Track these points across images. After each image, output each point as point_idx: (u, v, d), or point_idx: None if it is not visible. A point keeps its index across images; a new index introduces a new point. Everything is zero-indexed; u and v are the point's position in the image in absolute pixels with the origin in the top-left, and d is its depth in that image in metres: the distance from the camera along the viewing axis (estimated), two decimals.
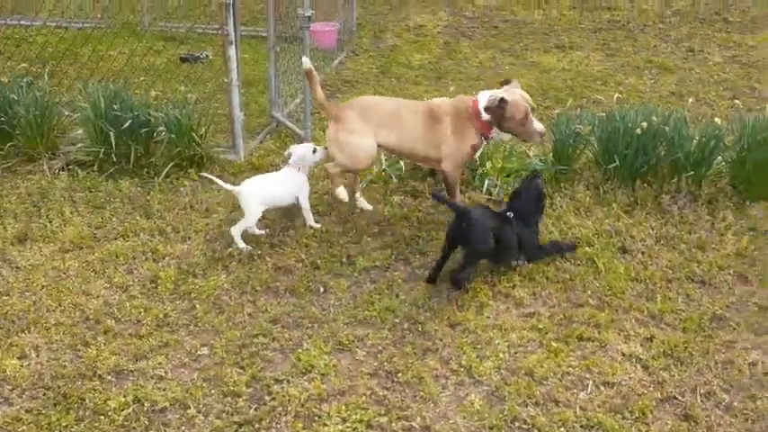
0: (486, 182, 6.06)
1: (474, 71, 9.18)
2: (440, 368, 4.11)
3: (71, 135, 6.67)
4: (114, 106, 6.33)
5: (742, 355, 4.15)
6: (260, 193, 5.23)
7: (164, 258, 5.12)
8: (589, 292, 4.74)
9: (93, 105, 6.38)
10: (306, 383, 3.97)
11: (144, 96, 6.56)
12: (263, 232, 5.38)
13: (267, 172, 6.32)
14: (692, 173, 5.84)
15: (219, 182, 5.30)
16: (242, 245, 5.17)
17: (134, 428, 3.67)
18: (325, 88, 8.54)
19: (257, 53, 9.10)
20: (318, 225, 5.47)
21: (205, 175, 5.58)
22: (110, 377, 4.02)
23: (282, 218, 5.64)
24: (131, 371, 4.07)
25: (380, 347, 4.26)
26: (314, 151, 5.49)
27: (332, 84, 8.70)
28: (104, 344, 4.27)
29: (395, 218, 5.65)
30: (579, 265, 5.03)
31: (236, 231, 5.19)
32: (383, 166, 6.36)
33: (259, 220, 5.31)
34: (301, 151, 5.47)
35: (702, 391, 3.90)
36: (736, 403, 3.81)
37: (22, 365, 4.12)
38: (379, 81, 8.84)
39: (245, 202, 5.21)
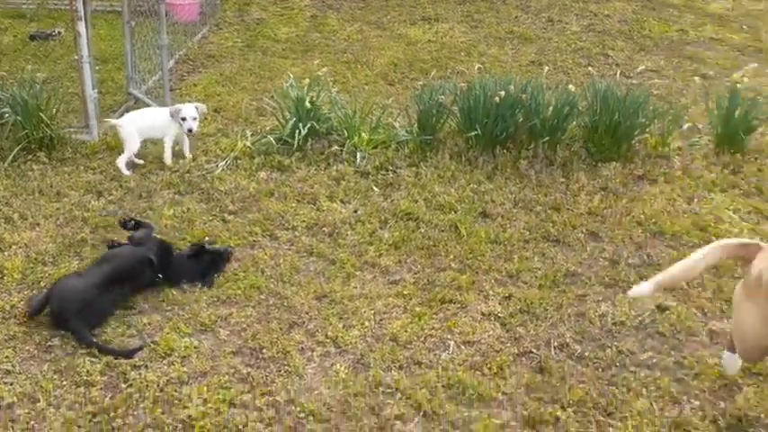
0: (358, 154, 6.06)
1: (342, 44, 9.13)
2: (306, 341, 4.10)
3: None
4: None
5: (593, 308, 4.36)
6: (138, 125, 5.92)
7: (10, 247, 4.81)
8: (452, 257, 4.84)
9: None
10: (165, 367, 3.85)
11: None
12: (141, 162, 5.96)
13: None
14: (547, 138, 6.06)
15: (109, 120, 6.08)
16: (126, 172, 5.77)
17: None
18: (188, 63, 8.32)
19: (114, 29, 8.67)
20: (170, 163, 5.93)
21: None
22: None
23: (139, 200, 5.44)
24: None
25: (245, 325, 4.20)
26: (196, 109, 6.01)
27: (195, 59, 8.42)
28: None
29: (261, 194, 5.56)
30: (443, 231, 5.13)
31: (121, 162, 5.79)
32: (248, 142, 6.24)
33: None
34: (180, 106, 6.03)
35: (556, 343, 4.08)
36: (587, 353, 4.01)
37: None
38: (245, 55, 8.64)
39: (126, 134, 5.87)
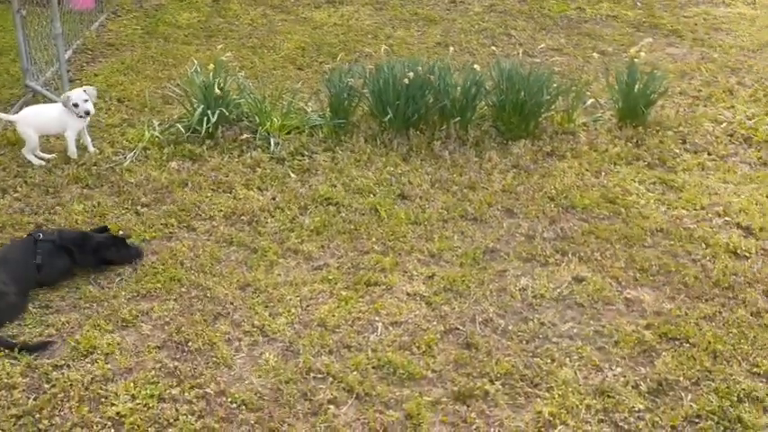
0: (272, 140, 5.99)
1: (246, 29, 8.97)
2: (232, 331, 4.05)
3: None
4: None
5: (513, 282, 4.49)
6: (32, 123, 5.71)
7: None
8: (374, 239, 4.88)
9: None
10: (88, 366, 3.74)
11: None
12: (52, 156, 5.78)
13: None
14: (458, 118, 6.17)
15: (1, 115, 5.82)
16: (36, 162, 5.68)
17: None
18: (86, 53, 7.99)
19: (4, 19, 8.23)
20: (75, 156, 5.76)
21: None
22: None
23: (46, 195, 5.22)
24: None
25: (168, 319, 4.11)
26: (85, 92, 5.74)
27: (93, 48, 8.09)
28: None
29: (173, 184, 5.43)
30: (364, 214, 5.16)
31: (26, 153, 5.70)
32: (156, 132, 6.07)
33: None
34: (70, 93, 5.76)
35: (480, 319, 4.19)
36: (511, 327, 4.13)
37: None
38: (146, 43, 8.36)
39: (22, 131, 5.71)
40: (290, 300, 4.30)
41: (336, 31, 8.99)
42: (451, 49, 7.34)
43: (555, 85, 6.37)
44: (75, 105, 5.62)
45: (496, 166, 5.77)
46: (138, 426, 3.41)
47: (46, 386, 3.61)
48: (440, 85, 6.16)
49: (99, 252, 4.46)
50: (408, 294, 4.37)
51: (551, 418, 3.54)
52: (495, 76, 6.37)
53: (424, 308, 4.26)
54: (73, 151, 5.76)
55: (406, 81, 6.02)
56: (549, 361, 3.88)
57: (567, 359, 3.90)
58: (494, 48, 7.93)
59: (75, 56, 7.76)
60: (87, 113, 5.67)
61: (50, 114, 5.78)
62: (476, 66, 6.33)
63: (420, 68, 6.13)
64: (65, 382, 3.62)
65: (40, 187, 5.32)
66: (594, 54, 7.86)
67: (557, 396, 3.66)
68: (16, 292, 4.08)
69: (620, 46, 8.52)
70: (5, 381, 3.62)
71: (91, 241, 4.46)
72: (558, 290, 4.43)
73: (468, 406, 3.61)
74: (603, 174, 5.73)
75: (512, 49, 8.31)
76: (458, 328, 4.12)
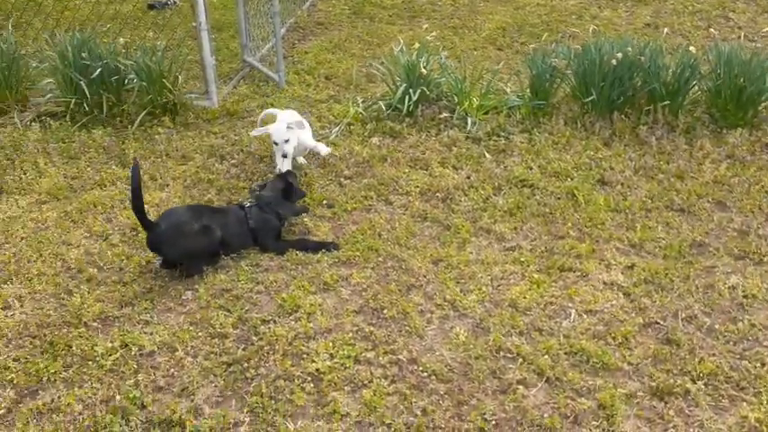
0: (469, 120, 6.03)
1: (448, 9, 9.05)
2: (424, 303, 4.14)
3: (40, 86, 6.52)
4: (83, 55, 6.18)
5: (722, 280, 4.21)
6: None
7: None
8: (570, 224, 4.77)
9: (61, 55, 6.24)
10: (292, 323, 3.98)
11: (112, 44, 6.41)
12: (304, 161, 5.58)
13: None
14: (668, 102, 5.85)
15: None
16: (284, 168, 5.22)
17: (123, 372, 3.68)
18: (298, 31, 8.44)
19: None
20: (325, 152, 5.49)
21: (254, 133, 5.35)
22: (95, 324, 4.01)
23: (260, 163, 5.59)
24: (117, 317, 4.06)
25: (365, 286, 4.28)
26: (287, 128, 5.14)
27: (304, 27, 8.54)
28: (88, 292, 4.25)
29: (374, 159, 5.62)
30: (560, 198, 5.06)
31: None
32: (360, 108, 6.30)
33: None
34: (270, 128, 5.19)
35: (684, 315, 3.97)
36: (717, 326, 3.88)
37: (6, 316, 4.09)
38: (353, 22, 8.69)
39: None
40: (481, 278, 4.32)
41: (539, 11, 8.83)
42: (665, 30, 6.94)
43: None
44: (275, 143, 5.16)
45: (708, 156, 5.42)
46: (335, 383, 3.59)
47: (254, 338, 3.90)
48: (650, 67, 5.86)
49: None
50: (605, 283, 4.24)
51: (757, 425, 3.30)
52: (711, 60, 5.96)
53: (621, 298, 4.12)
54: (322, 147, 5.46)
55: (614, 62, 5.79)
56: (758, 365, 3.61)
57: None
58: (711, 30, 7.40)
59: (288, 33, 8.23)
60: (284, 156, 5.09)
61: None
62: (691, 48, 5.96)
63: (630, 49, 5.87)
64: (271, 336, 3.89)
65: (255, 155, 5.71)
66: None
67: (765, 402, 3.41)
68: (205, 225, 4.37)
69: None
70: (219, 330, 3.95)
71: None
72: None
73: (665, 403, 3.45)
74: None
75: (729, 33, 7.75)
76: (658, 323, 3.94)
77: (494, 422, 3.38)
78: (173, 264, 4.39)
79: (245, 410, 3.47)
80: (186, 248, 4.31)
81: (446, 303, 4.14)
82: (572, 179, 5.25)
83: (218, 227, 4.43)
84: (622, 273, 4.31)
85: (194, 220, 4.37)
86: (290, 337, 3.87)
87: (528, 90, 6.27)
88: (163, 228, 4.28)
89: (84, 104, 6.19)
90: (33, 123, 6.23)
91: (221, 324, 3.98)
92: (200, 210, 4.54)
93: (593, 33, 6.73)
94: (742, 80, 5.73)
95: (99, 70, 6.13)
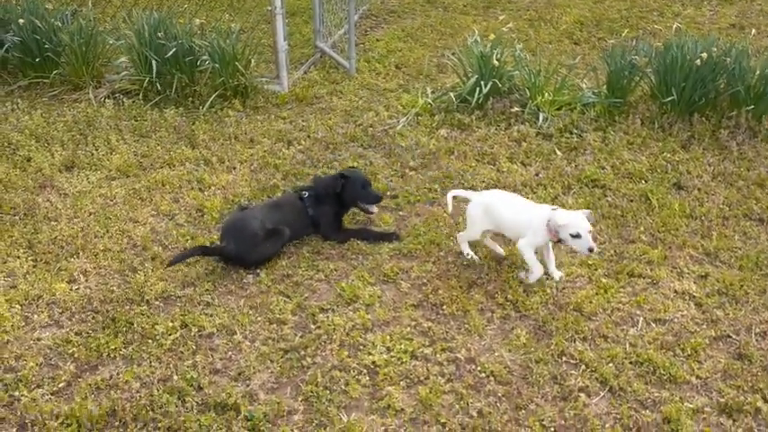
0: (541, 115, 5.88)
1: (524, 1, 8.86)
2: (485, 302, 4.05)
3: (116, 63, 6.65)
4: (158, 34, 6.27)
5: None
6: (486, 211, 4.29)
7: (209, 188, 5.11)
8: (642, 229, 4.60)
9: (138, 33, 6.34)
10: (350, 313, 3.95)
11: (188, 25, 6.48)
12: (500, 252, 4.43)
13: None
14: (752, 107, 5.59)
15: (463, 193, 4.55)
16: (466, 250, 4.41)
17: (182, 352, 3.71)
18: (371, 18, 8.39)
19: None
20: (533, 280, 4.15)
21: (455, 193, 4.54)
22: (157, 302, 4.06)
23: (326, 151, 5.56)
24: (179, 297, 4.10)
25: (425, 280, 4.21)
26: (574, 236, 3.98)
27: (377, 14, 8.49)
28: (152, 270, 4.30)
29: (440, 151, 5.54)
30: (632, 201, 4.88)
31: (460, 239, 4.44)
32: (428, 99, 6.22)
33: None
34: (559, 217, 4.02)
35: (758, 330, 3.78)
36: None
37: (71, 289, 4.17)
38: (426, 11, 8.59)
39: (468, 213, 4.38)
40: (546, 279, 4.20)
41: (619, 5, 8.57)
42: (752, 31, 6.64)
43: None
44: (576, 236, 3.95)
45: None
46: (390, 377, 3.54)
47: (312, 326, 3.88)
48: (735, 69, 5.60)
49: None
50: (676, 292, 4.07)
51: None
52: None
53: (692, 309, 3.94)
54: (533, 270, 4.15)
55: (698, 62, 5.56)
56: None
57: None
58: None
59: (361, 21, 8.19)
60: (591, 251, 3.99)
61: (516, 212, 4.24)
62: None
63: (714, 49, 5.62)
64: (329, 325, 3.86)
65: (321, 142, 5.70)
66: None
67: None
68: (270, 228, 4.34)
69: None
70: (278, 316, 3.94)
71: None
72: None
73: (734, 420, 3.29)
74: None
75: None
76: (730, 336, 3.76)
77: (552, 429, 3.28)
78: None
79: (299, 399, 3.45)
80: (258, 259, 4.30)
81: (508, 303, 4.04)
82: (646, 181, 5.07)
83: (283, 224, 4.41)
84: (695, 282, 4.13)
85: (261, 227, 4.32)
86: (348, 328, 3.84)
87: (604, 87, 6.08)
88: (233, 246, 4.25)
89: (158, 84, 6.28)
90: (107, 100, 6.35)
91: (280, 310, 3.97)
92: (262, 212, 4.46)
93: (675, 31, 6.48)
94: None
95: (173, 50, 6.20)
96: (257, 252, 4.28)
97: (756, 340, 3.72)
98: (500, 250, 4.45)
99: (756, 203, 4.78)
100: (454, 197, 4.54)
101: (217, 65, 6.23)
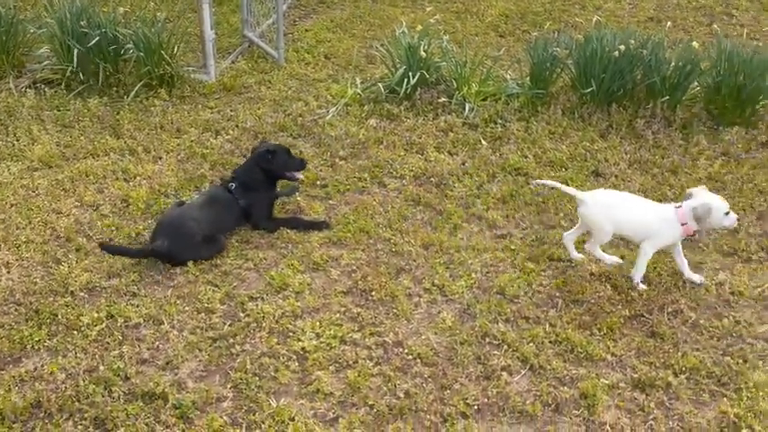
0: (467, 105, 6.00)
1: None
2: (413, 287, 4.15)
3: (37, 53, 6.48)
4: (81, 23, 6.14)
5: (710, 276, 4.22)
6: (607, 211, 4.09)
7: (135, 178, 5.05)
8: (562, 215, 4.77)
9: (60, 22, 6.19)
10: (280, 301, 3.98)
11: (112, 13, 6.36)
12: (620, 261, 4.23)
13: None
14: (667, 97, 5.84)
15: (560, 186, 4.31)
16: (609, 259, 4.20)
17: (108, 343, 3.68)
18: (300, 8, 8.38)
19: None
20: (641, 286, 4.12)
21: (542, 182, 4.50)
22: (82, 294, 4.01)
23: (255, 140, 5.56)
24: (104, 288, 4.06)
25: (354, 267, 4.28)
26: (726, 213, 3.97)
27: (306, 4, 8.48)
28: (76, 261, 4.24)
29: (370, 141, 5.60)
30: (553, 188, 5.04)
31: (591, 247, 4.20)
32: (358, 89, 6.27)
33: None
34: (706, 202, 3.94)
35: (670, 309, 3.98)
36: (702, 321, 3.90)
37: None
38: (355, 2, 8.63)
39: (589, 217, 4.14)
40: (471, 264, 4.32)
41: None
42: (668, 24, 6.92)
43: None
44: (728, 213, 3.95)
45: (704, 152, 5.42)
46: (320, 363, 3.60)
47: (241, 315, 3.90)
48: (651, 60, 5.84)
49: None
50: (593, 274, 4.24)
51: (736, 420, 3.33)
52: (712, 56, 5.94)
53: (609, 290, 4.12)
54: (641, 270, 4.11)
55: (616, 54, 5.77)
56: (740, 361, 3.63)
57: (761, 362, 3.63)
58: (714, 26, 7.37)
59: (289, 11, 8.17)
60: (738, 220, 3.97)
61: (644, 212, 4.10)
62: (694, 43, 5.94)
63: (632, 41, 5.84)
64: (258, 313, 3.89)
65: (250, 132, 5.69)
66: None
67: (745, 398, 3.43)
68: (209, 234, 4.31)
69: None
70: (206, 305, 3.95)
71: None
72: (759, 289, 4.12)
73: (647, 395, 3.47)
74: None
75: (732, 30, 7.71)
76: (644, 315, 3.95)
77: (476, 407, 3.40)
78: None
79: (228, 386, 3.48)
80: (190, 259, 4.24)
81: (435, 288, 4.15)
82: (567, 169, 5.25)
83: (220, 224, 4.39)
84: (611, 265, 4.30)
85: (199, 229, 4.27)
86: (277, 315, 3.87)
87: (528, 78, 6.25)
88: (167, 244, 4.18)
89: (81, 73, 6.15)
90: (28, 90, 6.19)
91: (209, 299, 3.98)
92: (200, 212, 4.40)
93: (595, 24, 6.69)
94: (742, 78, 5.72)
95: (97, 39, 6.09)
96: (191, 253, 4.24)
97: (668, 319, 3.92)
98: (577, 255, 4.30)
99: (670, 189, 5.01)
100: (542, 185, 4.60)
101: (142, 54, 6.14)
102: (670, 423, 3.34)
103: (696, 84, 5.98)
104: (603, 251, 4.22)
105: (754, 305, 4.02)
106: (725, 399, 3.45)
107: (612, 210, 4.09)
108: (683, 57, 5.88)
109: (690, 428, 3.31)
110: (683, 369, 3.59)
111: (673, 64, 5.89)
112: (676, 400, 3.45)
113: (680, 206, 4.05)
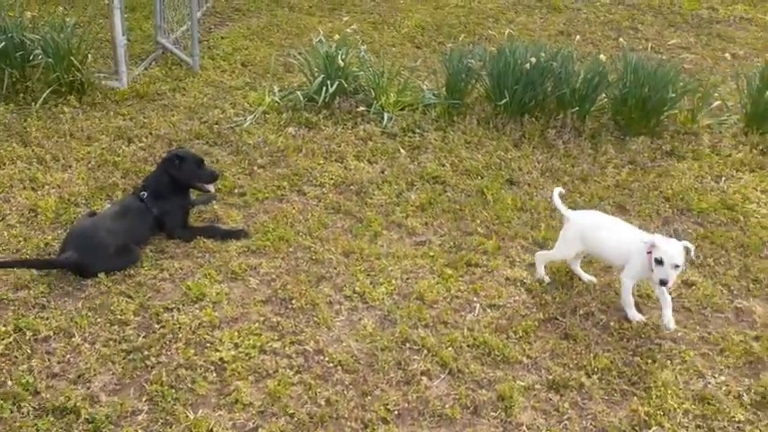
0: (386, 115, 6.06)
1: (369, 4, 9.07)
2: (334, 294, 4.15)
3: None
4: None
5: (619, 279, 4.36)
6: (585, 232, 4.14)
7: (43, 187, 4.87)
8: (478, 221, 4.87)
9: None
10: (197, 311, 3.91)
11: (19, 18, 6.13)
12: (592, 279, 4.32)
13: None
14: (576, 108, 6.05)
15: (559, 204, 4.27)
16: (540, 271, 4.31)
17: (16, 357, 3.53)
18: (215, 16, 8.28)
19: None
20: (639, 318, 4.05)
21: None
22: None
23: (169, 147, 5.46)
24: (11, 300, 3.89)
25: (274, 276, 4.24)
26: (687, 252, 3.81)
27: (222, 12, 8.39)
28: None
29: (289, 149, 5.58)
30: (470, 196, 5.15)
31: (537, 258, 4.33)
32: (276, 97, 6.24)
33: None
34: (667, 248, 3.77)
35: (582, 312, 4.11)
36: (612, 323, 4.04)
37: None
38: (272, 10, 8.59)
39: (565, 231, 4.22)
40: (391, 271, 4.35)
41: (458, 12, 8.96)
42: (577, 37, 7.17)
43: (681, 83, 6.14)
44: (658, 262, 3.79)
45: (611, 161, 5.63)
46: (238, 373, 3.55)
47: (156, 326, 3.80)
48: (561, 73, 6.04)
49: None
50: (509, 279, 4.35)
51: (647, 418, 3.46)
52: (619, 68, 6.19)
53: (524, 294, 4.23)
54: (629, 306, 4.04)
55: (528, 66, 5.94)
56: (649, 361, 3.78)
57: (669, 362, 3.79)
58: (620, 40, 7.68)
59: (205, 18, 8.06)
60: (663, 283, 3.81)
61: (614, 236, 4.09)
62: (601, 55, 6.18)
63: (543, 54, 6.03)
64: (174, 324, 3.80)
65: (164, 139, 5.58)
66: (726, 55, 7.52)
67: (654, 397, 3.57)
68: (122, 244, 4.20)
69: (752, 50, 8.13)
70: (119, 317, 3.83)
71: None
72: None
73: (561, 396, 3.57)
74: (724, 179, 5.50)
75: (638, 44, 8.06)
76: (557, 318, 4.07)
77: (396, 412, 3.42)
78: None
79: (143, 399, 3.38)
80: (102, 270, 4.11)
81: (355, 295, 4.15)
82: (482, 178, 5.36)
83: (132, 233, 4.28)
84: (526, 270, 4.42)
85: (112, 239, 4.15)
86: (194, 326, 3.80)
87: (444, 89, 6.36)
88: (77, 255, 4.04)
89: None
90: None
91: (122, 311, 3.86)
92: (112, 223, 4.27)
93: (508, 37, 6.88)
94: (647, 90, 5.98)
95: (2, 44, 5.85)
96: (103, 264, 4.10)
97: (580, 321, 4.05)
98: (589, 277, 4.32)
99: (580, 197, 5.19)
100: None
101: (50, 60, 5.93)
102: (584, 423, 3.45)
103: (604, 95, 6.22)
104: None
105: (661, 307, 4.19)
106: (635, 398, 3.58)
107: (595, 231, 4.11)
108: (591, 69, 6.11)
109: (603, 427, 3.42)
110: (596, 370, 3.71)
111: (582, 76, 6.11)
112: (589, 400, 3.56)
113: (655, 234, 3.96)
